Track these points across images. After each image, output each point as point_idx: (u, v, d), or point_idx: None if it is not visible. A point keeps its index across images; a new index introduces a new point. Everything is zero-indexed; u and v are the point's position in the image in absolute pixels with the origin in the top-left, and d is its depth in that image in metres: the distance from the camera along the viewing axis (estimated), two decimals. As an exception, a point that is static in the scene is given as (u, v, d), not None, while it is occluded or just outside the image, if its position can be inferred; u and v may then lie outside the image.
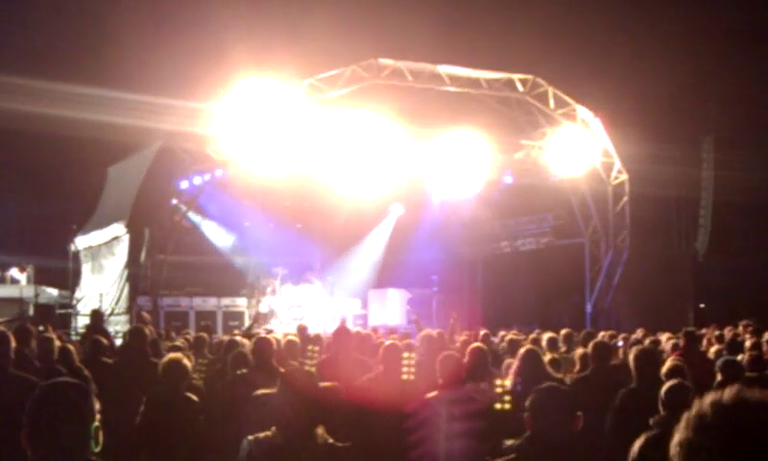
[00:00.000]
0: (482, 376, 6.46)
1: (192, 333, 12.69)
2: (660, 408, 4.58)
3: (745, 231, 23.03)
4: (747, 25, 21.96)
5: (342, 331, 7.85)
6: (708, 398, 1.59)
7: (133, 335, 8.17)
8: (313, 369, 6.61)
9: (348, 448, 4.16)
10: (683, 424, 1.58)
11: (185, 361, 6.03)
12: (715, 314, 16.31)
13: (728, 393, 1.57)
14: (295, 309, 21.96)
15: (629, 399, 5.76)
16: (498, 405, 4.43)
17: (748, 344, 9.24)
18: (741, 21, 21.94)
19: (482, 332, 11.40)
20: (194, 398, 5.90)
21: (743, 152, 20.73)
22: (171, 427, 5.66)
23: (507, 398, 4.28)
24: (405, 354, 5.45)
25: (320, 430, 4.07)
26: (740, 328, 12.16)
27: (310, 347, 5.41)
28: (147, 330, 8.58)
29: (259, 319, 20.70)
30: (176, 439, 5.59)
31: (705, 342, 11.71)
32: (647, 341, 10.36)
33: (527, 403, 3.68)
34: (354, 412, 5.34)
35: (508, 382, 5.96)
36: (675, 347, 9.29)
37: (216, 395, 6.64)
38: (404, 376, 5.30)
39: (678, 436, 1.57)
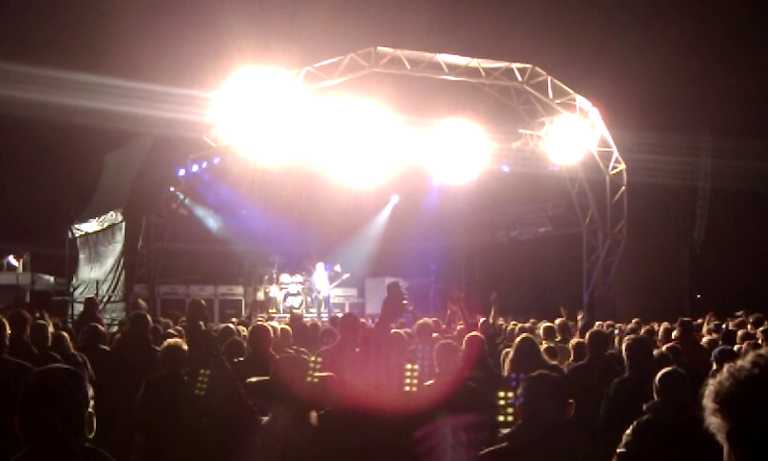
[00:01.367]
0: (479, 364, 6.48)
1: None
2: (655, 395, 4.60)
3: (742, 221, 23.04)
4: (745, 15, 21.92)
5: (350, 320, 7.66)
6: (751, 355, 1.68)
7: (135, 322, 8.16)
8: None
9: (338, 433, 4.18)
10: (718, 380, 1.67)
11: (185, 346, 6.05)
12: (712, 304, 16.33)
13: None
14: (291, 298, 21.98)
15: (622, 387, 5.79)
16: (501, 418, 4.43)
17: (740, 333, 9.27)
18: (739, 11, 21.89)
19: (480, 320, 11.39)
20: None
21: (741, 141, 20.72)
22: (170, 411, 5.68)
23: (510, 410, 4.27)
24: (408, 366, 5.41)
25: (313, 414, 4.08)
26: (749, 326, 12.08)
27: (312, 358, 5.38)
28: (149, 317, 8.58)
29: (257, 307, 20.71)
30: (175, 422, 5.61)
31: (704, 330, 11.75)
32: (642, 330, 10.39)
33: (518, 391, 3.69)
34: (348, 406, 5.33)
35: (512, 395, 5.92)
36: (669, 336, 9.31)
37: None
38: (406, 388, 5.27)
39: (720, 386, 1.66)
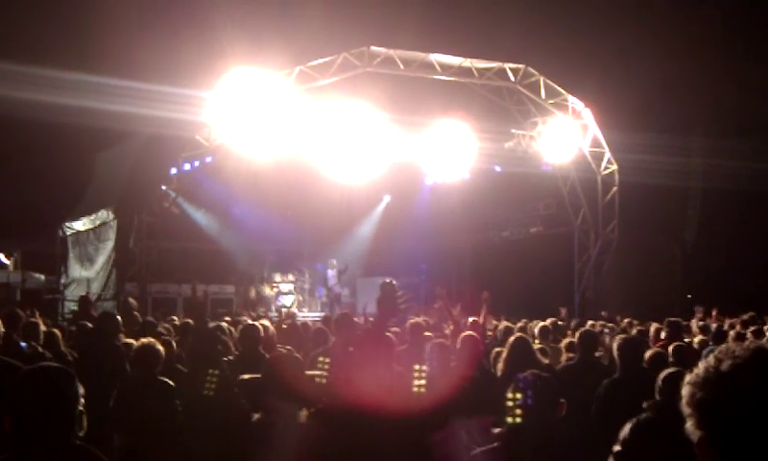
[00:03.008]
0: (473, 364, 6.47)
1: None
2: (657, 394, 4.61)
3: (734, 221, 23.09)
4: (737, 17, 21.99)
5: (345, 320, 7.61)
6: (720, 354, 1.57)
7: (103, 320, 8.06)
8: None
9: (327, 432, 4.17)
10: (693, 381, 1.58)
11: (158, 346, 6.01)
12: (703, 304, 16.38)
13: (739, 348, 1.56)
14: (283, 297, 21.97)
15: (612, 388, 5.79)
16: (510, 419, 4.45)
17: (732, 333, 9.30)
18: (732, 13, 21.96)
19: (470, 320, 11.38)
20: (169, 382, 5.88)
21: (732, 142, 20.77)
22: (144, 412, 5.62)
23: (519, 412, 4.28)
24: (416, 366, 5.40)
25: (303, 413, 4.08)
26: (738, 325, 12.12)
27: (321, 358, 5.33)
28: (118, 316, 8.43)
29: (249, 305, 20.69)
30: (150, 423, 5.56)
31: (694, 324, 11.79)
32: (634, 331, 10.42)
33: (509, 391, 3.70)
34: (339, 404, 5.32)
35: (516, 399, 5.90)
36: (658, 336, 9.33)
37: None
38: (415, 389, 5.26)
39: (693, 394, 1.57)
